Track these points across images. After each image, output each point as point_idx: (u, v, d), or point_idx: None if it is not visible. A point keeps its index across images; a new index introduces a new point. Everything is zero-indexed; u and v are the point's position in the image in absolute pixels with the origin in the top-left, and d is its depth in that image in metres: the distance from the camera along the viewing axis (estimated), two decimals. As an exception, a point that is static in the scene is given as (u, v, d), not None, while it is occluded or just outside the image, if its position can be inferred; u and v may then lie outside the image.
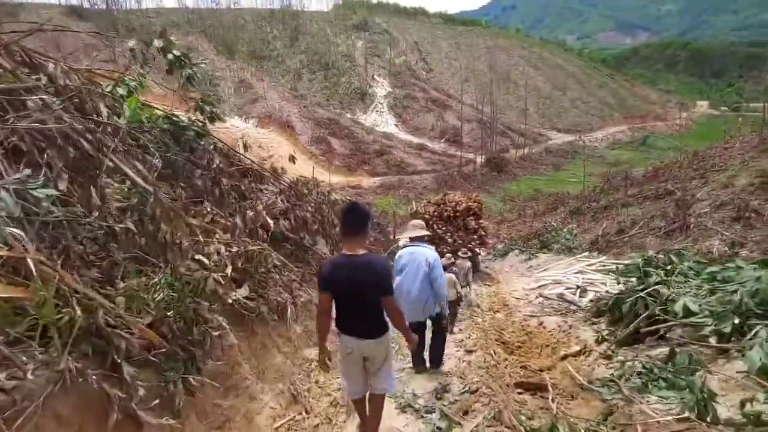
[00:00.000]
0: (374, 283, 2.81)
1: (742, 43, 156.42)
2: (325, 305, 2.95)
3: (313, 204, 5.08)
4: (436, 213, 16.62)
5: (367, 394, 3.24)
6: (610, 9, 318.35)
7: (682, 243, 15.20)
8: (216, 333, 3.11)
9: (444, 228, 16.45)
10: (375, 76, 73.43)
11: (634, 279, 5.38)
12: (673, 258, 5.74)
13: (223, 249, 3.49)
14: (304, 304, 4.52)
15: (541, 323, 6.95)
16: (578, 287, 9.74)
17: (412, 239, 4.46)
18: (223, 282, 3.24)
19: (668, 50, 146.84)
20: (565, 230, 16.87)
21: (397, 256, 4.38)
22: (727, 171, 16.95)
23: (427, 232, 4.64)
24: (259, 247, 3.61)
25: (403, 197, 41.89)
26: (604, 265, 13.51)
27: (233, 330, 3.45)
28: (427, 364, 4.76)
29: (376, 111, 65.92)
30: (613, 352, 4.48)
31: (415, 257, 4.30)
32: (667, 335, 4.24)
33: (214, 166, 4.26)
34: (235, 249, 3.56)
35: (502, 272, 15.47)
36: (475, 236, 16.74)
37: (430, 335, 4.71)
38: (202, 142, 4.43)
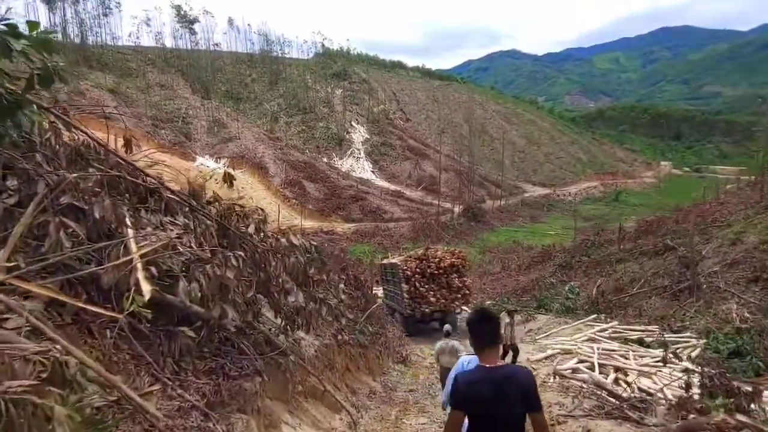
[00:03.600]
0: (521, 399, 2.32)
1: (695, 110, 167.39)
2: (456, 427, 2.42)
3: (250, 252, 3.03)
4: (418, 269, 15.28)
5: None
6: (576, 75, 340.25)
7: (693, 306, 13.62)
8: None
9: (426, 286, 15.16)
10: (353, 123, 73.30)
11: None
12: None
13: None
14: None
15: (588, 432, 4.87)
16: (616, 370, 7.68)
17: None
18: None
19: (632, 113, 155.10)
20: (566, 288, 15.05)
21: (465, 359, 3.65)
22: (731, 227, 15.74)
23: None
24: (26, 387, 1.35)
25: (378, 245, 39.91)
26: (617, 332, 11.67)
27: None
28: None
29: (353, 156, 65.07)
30: None
31: None
32: None
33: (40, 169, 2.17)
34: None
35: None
36: (459, 295, 15.67)
37: None
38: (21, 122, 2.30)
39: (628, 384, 7.88)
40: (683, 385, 6.41)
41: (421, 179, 61.56)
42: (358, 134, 70.91)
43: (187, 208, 3.07)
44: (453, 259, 15.94)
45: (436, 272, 15.31)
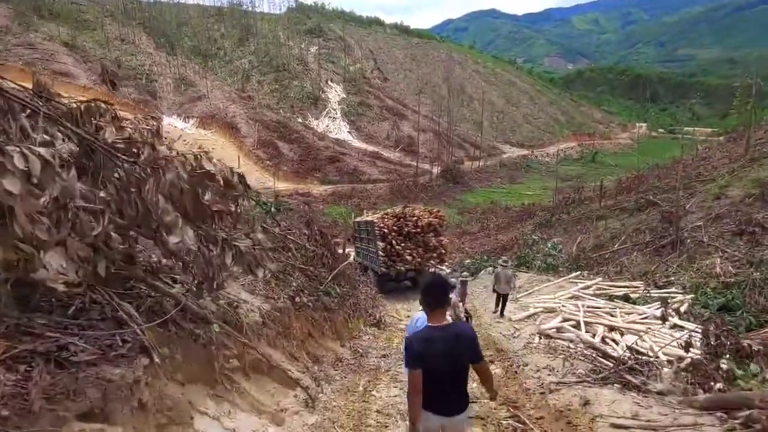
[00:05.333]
0: (468, 352, 2.69)
1: (671, 73, 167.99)
2: (419, 384, 2.65)
3: (122, 171, 1.93)
4: (395, 227, 14.75)
5: None
6: (555, 36, 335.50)
7: (675, 261, 13.27)
8: None
9: (403, 245, 14.68)
10: (329, 82, 70.41)
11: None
12: None
13: None
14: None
15: (586, 403, 4.15)
16: (611, 329, 7.09)
17: None
18: None
19: (609, 74, 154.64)
20: (549, 245, 14.49)
21: (416, 317, 4.18)
22: (715, 181, 15.32)
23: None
24: None
25: (355, 207, 38.99)
26: (601, 289, 11.18)
27: None
28: None
29: (329, 117, 62.80)
30: None
31: None
32: None
33: None
34: None
35: (476, 295, 12.77)
36: (435, 254, 15.33)
37: None
38: None
39: (617, 343, 7.34)
40: (682, 344, 5.84)
41: (399, 140, 60.13)
42: (334, 93, 68.28)
43: (29, 111, 2.02)
44: (430, 218, 15.46)
45: (413, 231, 14.76)
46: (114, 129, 2.05)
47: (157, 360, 2.08)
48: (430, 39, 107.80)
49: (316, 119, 61.67)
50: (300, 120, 59.63)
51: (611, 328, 7.09)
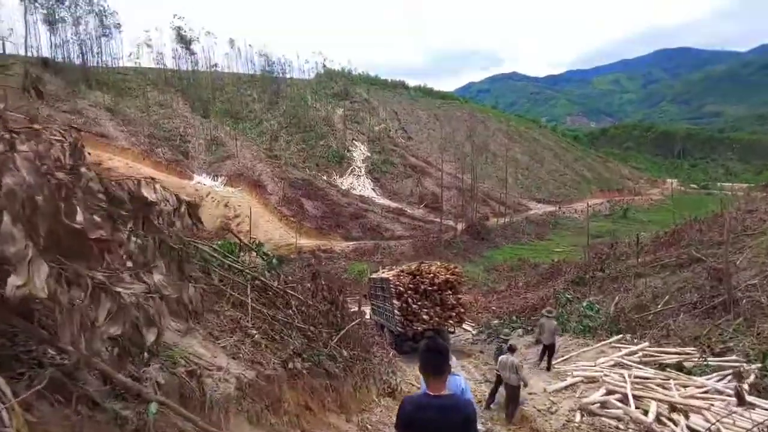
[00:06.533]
0: (461, 427, 2.51)
1: (699, 129, 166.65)
2: None
3: None
4: (411, 285, 13.97)
5: None
6: (577, 96, 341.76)
7: (731, 324, 11.82)
8: None
9: (420, 303, 13.87)
10: (354, 141, 72.37)
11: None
12: None
13: None
14: None
15: None
16: (672, 409, 5.96)
17: None
18: None
19: (635, 131, 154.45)
20: (584, 304, 13.27)
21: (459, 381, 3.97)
22: (766, 234, 14.03)
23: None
24: None
25: (378, 263, 38.24)
26: (649, 355, 9.88)
27: None
28: None
29: (354, 174, 63.86)
30: None
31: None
32: None
33: None
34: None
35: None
36: (453, 313, 14.40)
37: None
38: None
39: (676, 424, 6.13)
40: (764, 430, 4.70)
41: (422, 197, 60.15)
42: (359, 152, 69.90)
43: None
44: (448, 275, 14.61)
45: (429, 288, 13.90)
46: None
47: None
48: (453, 100, 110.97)
49: (341, 177, 62.77)
50: (325, 178, 60.75)
51: (672, 407, 5.93)
